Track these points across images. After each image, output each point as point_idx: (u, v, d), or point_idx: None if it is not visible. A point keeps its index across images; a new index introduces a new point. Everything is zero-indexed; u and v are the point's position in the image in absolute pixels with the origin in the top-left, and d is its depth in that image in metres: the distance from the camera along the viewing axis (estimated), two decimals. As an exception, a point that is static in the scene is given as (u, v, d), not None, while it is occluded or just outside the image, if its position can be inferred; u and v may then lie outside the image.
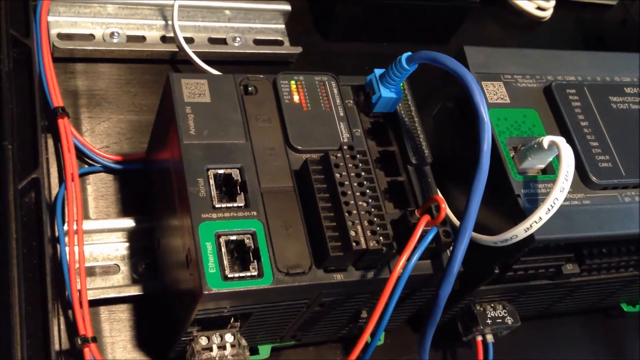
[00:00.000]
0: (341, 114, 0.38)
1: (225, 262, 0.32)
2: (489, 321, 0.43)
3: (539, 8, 0.69)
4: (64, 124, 0.43)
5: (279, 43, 0.55)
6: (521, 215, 0.35)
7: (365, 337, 0.34)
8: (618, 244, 0.39)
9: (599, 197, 0.38)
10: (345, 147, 0.35)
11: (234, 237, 0.32)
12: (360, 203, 0.33)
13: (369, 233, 0.32)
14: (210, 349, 0.35)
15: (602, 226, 0.37)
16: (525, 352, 0.50)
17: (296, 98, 0.38)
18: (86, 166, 0.46)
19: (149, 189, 0.44)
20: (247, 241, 0.33)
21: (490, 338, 0.45)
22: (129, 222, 0.43)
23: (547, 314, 0.50)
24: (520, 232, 0.34)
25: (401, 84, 0.39)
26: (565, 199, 0.37)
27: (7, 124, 0.38)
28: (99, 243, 0.43)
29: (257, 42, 0.55)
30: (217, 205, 0.33)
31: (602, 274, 0.41)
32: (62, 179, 0.43)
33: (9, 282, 0.33)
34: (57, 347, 0.36)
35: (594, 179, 0.37)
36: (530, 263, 0.38)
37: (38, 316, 0.35)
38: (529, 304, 0.45)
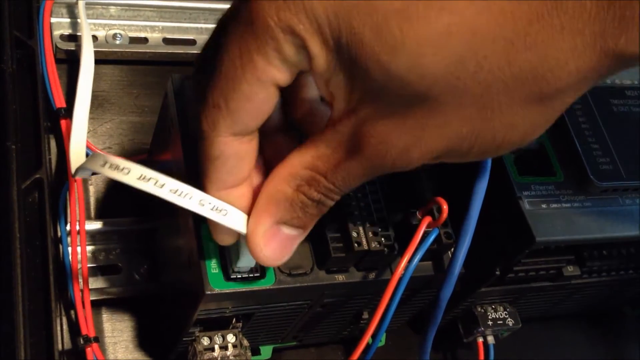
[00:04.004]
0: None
1: (227, 263, 0.32)
2: (490, 323, 0.43)
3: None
4: (66, 125, 0.43)
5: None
6: (522, 216, 0.36)
7: (367, 338, 0.34)
8: (619, 246, 0.40)
9: (599, 200, 0.38)
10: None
11: (236, 238, 0.33)
12: (361, 204, 0.33)
13: (370, 234, 0.33)
14: (212, 349, 0.35)
15: (602, 228, 0.37)
16: (526, 353, 0.50)
17: (298, 100, 0.38)
18: (88, 167, 0.46)
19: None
20: (249, 242, 0.33)
21: (491, 339, 0.45)
22: (131, 223, 0.43)
23: (548, 316, 0.50)
24: None
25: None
26: (567, 201, 0.37)
27: (11, 125, 0.38)
28: (101, 244, 0.43)
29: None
30: (219, 206, 0.33)
31: (603, 276, 0.42)
32: (64, 180, 0.43)
33: (13, 282, 0.34)
34: (59, 346, 0.36)
35: (594, 181, 0.37)
36: (531, 265, 0.38)
37: (41, 315, 0.35)
38: (530, 306, 0.45)
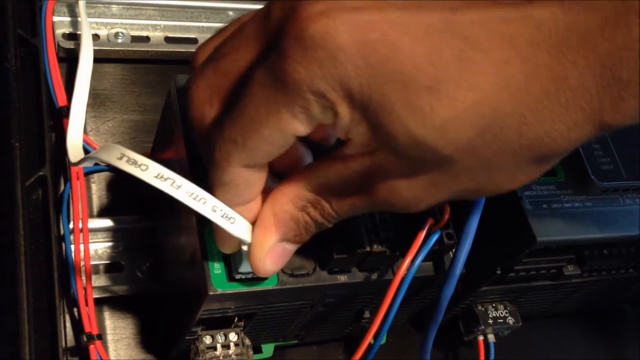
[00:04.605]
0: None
1: (231, 264, 0.32)
2: (490, 321, 0.43)
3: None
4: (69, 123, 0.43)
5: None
6: (523, 216, 0.36)
7: (368, 339, 0.35)
8: (619, 245, 0.40)
9: (600, 199, 0.38)
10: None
11: (239, 238, 0.33)
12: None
13: (372, 235, 0.33)
14: (214, 348, 0.35)
15: (603, 228, 0.37)
16: (527, 351, 0.51)
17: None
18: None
19: (153, 189, 0.44)
20: (252, 242, 0.33)
21: (491, 338, 0.45)
22: (134, 221, 0.43)
23: (549, 314, 0.50)
24: None
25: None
26: (567, 201, 0.38)
27: (14, 122, 0.38)
28: (103, 241, 0.43)
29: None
30: (222, 206, 0.33)
31: (603, 275, 0.42)
32: (67, 178, 0.43)
33: (17, 279, 0.34)
34: (63, 343, 0.36)
35: (595, 181, 0.38)
36: (532, 264, 0.38)
37: (45, 312, 0.35)
38: (531, 304, 0.45)
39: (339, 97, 0.23)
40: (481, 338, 0.45)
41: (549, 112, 0.23)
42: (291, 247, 0.29)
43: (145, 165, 0.25)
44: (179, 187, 0.25)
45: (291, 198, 0.28)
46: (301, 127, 0.24)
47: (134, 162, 0.25)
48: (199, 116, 0.27)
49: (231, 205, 0.28)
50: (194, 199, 0.26)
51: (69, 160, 0.38)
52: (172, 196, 0.25)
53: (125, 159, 0.25)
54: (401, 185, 0.25)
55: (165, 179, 0.25)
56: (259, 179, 0.28)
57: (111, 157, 0.25)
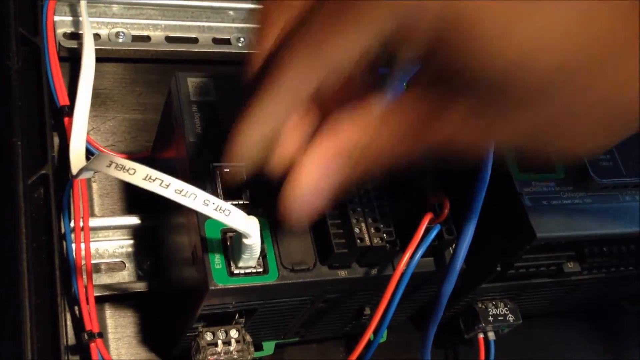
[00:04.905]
0: (345, 113, 0.38)
1: (231, 259, 0.32)
2: (490, 319, 0.43)
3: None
4: (69, 122, 0.43)
5: (282, 43, 0.56)
6: (523, 213, 0.36)
7: (368, 334, 0.35)
8: (619, 242, 0.40)
9: (600, 196, 0.38)
10: (349, 145, 0.35)
11: (240, 234, 0.33)
12: (364, 200, 0.34)
13: (372, 230, 0.33)
14: (215, 345, 0.35)
15: (602, 225, 0.37)
16: (527, 349, 0.51)
17: (301, 97, 0.38)
18: (92, 164, 0.46)
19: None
20: (252, 238, 0.33)
21: (492, 336, 0.45)
22: (134, 220, 0.44)
23: (549, 312, 0.50)
24: None
25: (404, 84, 0.39)
26: (567, 198, 0.38)
27: (16, 121, 0.38)
28: (104, 240, 0.43)
29: (261, 42, 0.55)
30: (223, 203, 0.33)
31: (603, 272, 0.42)
32: (67, 177, 0.43)
33: (19, 276, 0.34)
34: (64, 341, 0.36)
35: (595, 178, 0.38)
36: (532, 261, 0.38)
37: (47, 310, 0.35)
38: (531, 302, 0.45)
39: (414, 13, 0.22)
40: (481, 336, 0.45)
41: (634, 62, 0.22)
42: (323, 196, 0.27)
43: (133, 169, 0.26)
44: (167, 185, 0.26)
45: (338, 143, 0.26)
46: (370, 42, 0.23)
47: (122, 168, 0.26)
48: (264, 33, 0.27)
49: (263, 120, 0.26)
50: (184, 195, 0.27)
51: (70, 173, 0.39)
52: (162, 195, 0.26)
53: (113, 165, 0.26)
54: (465, 121, 0.24)
55: (154, 180, 0.26)
56: (300, 109, 0.26)
57: (101, 165, 0.26)
